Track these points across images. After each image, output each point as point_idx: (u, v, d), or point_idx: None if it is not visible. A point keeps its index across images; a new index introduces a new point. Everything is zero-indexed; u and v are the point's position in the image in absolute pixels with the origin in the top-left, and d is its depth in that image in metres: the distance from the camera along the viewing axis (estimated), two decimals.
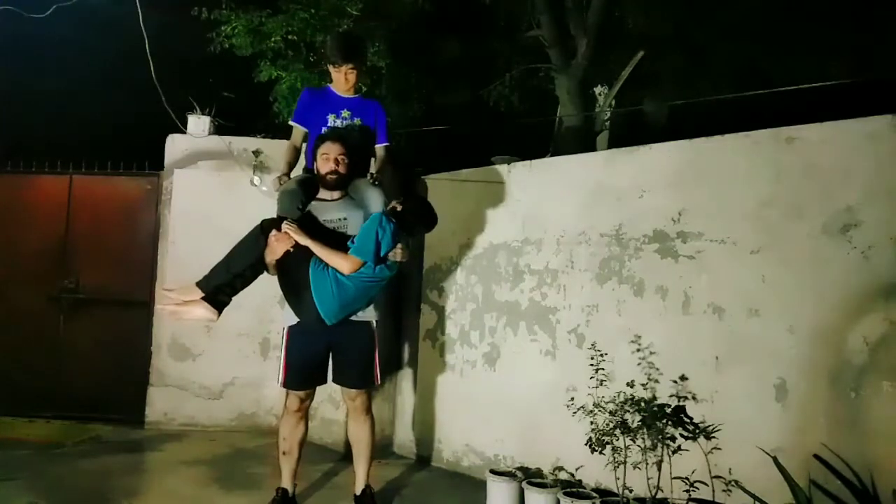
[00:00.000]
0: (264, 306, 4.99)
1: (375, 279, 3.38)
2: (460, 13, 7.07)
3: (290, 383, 3.50)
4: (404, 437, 4.89)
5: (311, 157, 3.64)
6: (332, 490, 4.02)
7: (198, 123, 5.50)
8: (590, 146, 6.55)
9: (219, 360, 5.33)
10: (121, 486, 3.93)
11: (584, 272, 3.90)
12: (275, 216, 3.45)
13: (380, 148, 3.94)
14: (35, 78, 7.54)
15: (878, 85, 4.33)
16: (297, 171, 3.86)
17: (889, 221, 2.80)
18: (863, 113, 2.93)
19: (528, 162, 4.33)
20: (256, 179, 5.32)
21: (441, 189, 4.79)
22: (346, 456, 4.57)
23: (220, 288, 3.37)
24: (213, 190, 5.40)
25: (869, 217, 2.85)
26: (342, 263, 3.27)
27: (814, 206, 3.01)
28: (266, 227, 3.37)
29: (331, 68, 3.86)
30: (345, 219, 3.49)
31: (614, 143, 6.45)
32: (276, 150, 5.38)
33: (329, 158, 3.46)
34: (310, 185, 3.53)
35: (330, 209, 3.51)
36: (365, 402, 3.60)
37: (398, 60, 6.40)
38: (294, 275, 3.36)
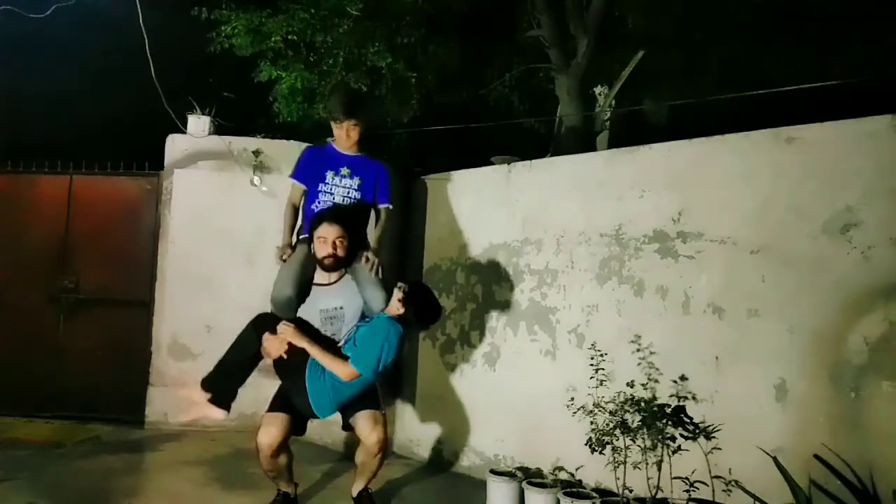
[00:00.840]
0: (264, 307, 4.98)
1: (374, 380, 3.38)
2: (460, 13, 7.07)
3: (275, 403, 3.38)
4: (404, 437, 4.89)
5: (308, 233, 3.55)
6: (332, 490, 4.02)
7: (198, 123, 5.50)
8: (590, 146, 6.54)
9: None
10: (121, 486, 3.93)
11: (584, 272, 3.90)
12: (262, 313, 3.46)
13: (381, 209, 3.85)
14: (35, 78, 7.54)
15: (878, 85, 4.33)
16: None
17: (889, 221, 2.80)
18: (863, 113, 2.92)
19: (528, 162, 4.33)
20: (256, 179, 5.32)
21: (441, 189, 4.79)
22: (346, 456, 4.57)
23: (224, 387, 3.45)
24: (213, 190, 5.40)
25: (869, 217, 2.85)
26: (341, 370, 3.24)
27: (814, 206, 3.01)
28: (259, 325, 3.39)
29: (333, 124, 3.75)
30: (341, 307, 3.44)
31: (614, 143, 6.45)
32: (276, 150, 5.40)
33: (326, 242, 3.37)
34: (305, 277, 3.45)
35: (326, 296, 3.45)
36: (382, 440, 3.32)
37: (398, 60, 6.40)
38: (289, 379, 3.36)
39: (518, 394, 4.15)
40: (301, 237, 3.71)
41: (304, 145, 5.27)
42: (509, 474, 3.80)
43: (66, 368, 5.42)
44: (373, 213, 3.89)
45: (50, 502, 3.62)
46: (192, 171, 5.45)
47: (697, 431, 3.13)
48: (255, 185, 5.31)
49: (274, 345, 3.32)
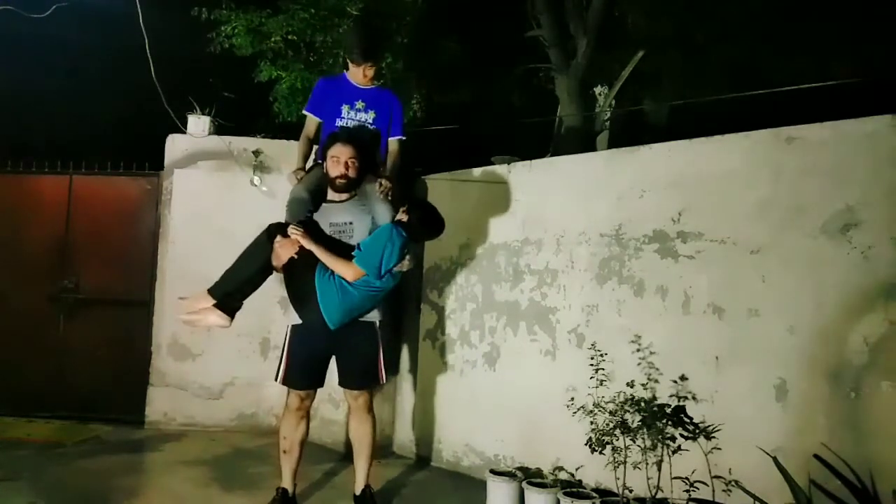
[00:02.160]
0: (264, 306, 4.98)
1: (380, 288, 3.41)
2: (460, 13, 7.07)
3: (292, 381, 3.50)
4: (404, 437, 4.89)
5: (322, 153, 3.63)
6: (332, 490, 4.02)
7: (198, 123, 5.50)
8: (590, 146, 6.55)
9: (219, 360, 5.33)
10: (121, 486, 3.93)
11: (584, 272, 3.90)
12: (283, 220, 3.47)
13: (393, 141, 3.92)
14: (35, 78, 7.54)
15: (878, 85, 4.33)
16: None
17: (889, 221, 2.80)
18: (863, 113, 2.93)
19: (528, 162, 4.33)
20: (256, 179, 5.32)
21: (441, 189, 4.79)
22: (346, 456, 4.57)
23: (230, 294, 3.39)
24: (213, 190, 5.40)
25: (869, 217, 2.85)
26: (346, 271, 3.30)
27: (814, 206, 3.01)
28: (273, 232, 3.39)
29: (349, 61, 3.81)
30: (351, 223, 3.49)
31: (614, 143, 6.45)
32: (276, 150, 5.40)
33: (339, 161, 3.45)
34: (319, 190, 3.53)
35: (337, 212, 3.51)
36: (367, 401, 3.60)
37: (398, 60, 6.40)
38: (299, 280, 3.38)
39: (518, 394, 4.15)
40: (316, 162, 3.77)
41: None
42: (509, 474, 3.80)
43: (66, 368, 5.42)
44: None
45: (50, 502, 3.63)
46: (192, 171, 5.45)
47: (697, 431, 3.13)
48: (255, 185, 5.31)
49: (286, 247, 3.32)
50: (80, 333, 5.47)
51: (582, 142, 6.49)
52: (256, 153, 5.34)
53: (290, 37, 6.18)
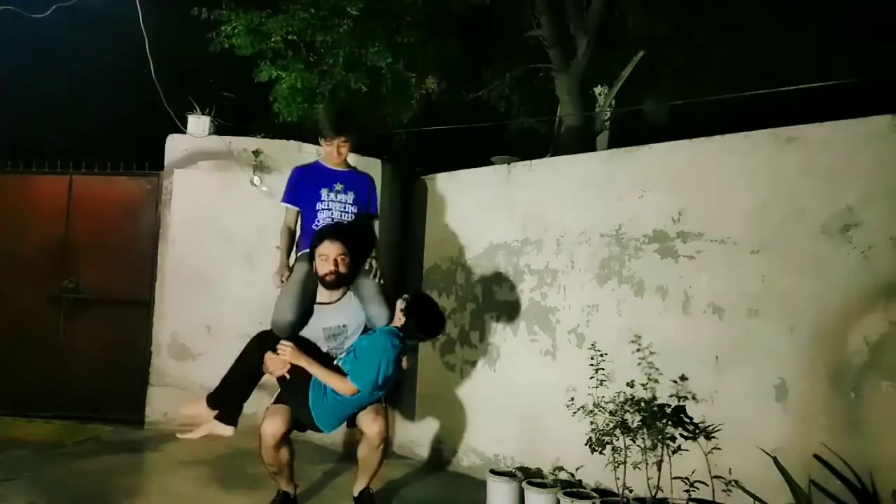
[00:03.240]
0: (265, 307, 4.97)
1: (377, 396, 3.38)
2: (461, 13, 7.07)
3: (279, 397, 3.44)
4: (404, 437, 4.89)
5: (309, 241, 3.54)
6: (332, 490, 4.02)
7: (198, 123, 5.50)
8: (590, 146, 6.55)
9: (219, 360, 5.24)
10: (121, 486, 3.93)
11: (584, 272, 3.90)
12: (265, 331, 3.47)
13: (370, 219, 3.85)
14: (35, 78, 7.54)
15: (878, 85, 4.33)
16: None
17: (889, 221, 2.80)
18: (863, 113, 2.93)
19: (528, 162, 4.33)
20: (256, 179, 5.32)
21: (441, 189, 4.79)
22: (346, 456, 4.58)
23: (228, 403, 3.49)
24: (213, 190, 5.40)
25: (869, 217, 2.85)
26: (342, 387, 3.23)
27: (814, 206, 3.01)
28: (263, 341, 3.39)
29: (322, 141, 3.74)
30: (345, 325, 3.44)
31: (614, 143, 6.45)
32: (276, 150, 5.40)
33: (328, 259, 3.35)
34: (307, 295, 3.45)
35: (330, 314, 3.44)
36: (383, 431, 3.36)
37: (398, 60, 6.40)
38: (292, 389, 3.36)
39: (518, 394, 4.15)
40: (300, 254, 3.68)
41: (305, 145, 5.31)
42: (509, 474, 3.80)
43: (66, 368, 5.41)
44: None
45: (50, 502, 3.62)
46: (192, 171, 5.44)
47: (697, 431, 3.13)
48: (255, 185, 5.31)
49: (276, 364, 3.32)
50: (80, 333, 5.47)
51: (582, 142, 6.49)
52: (256, 153, 5.34)
53: (290, 37, 6.19)
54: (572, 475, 3.67)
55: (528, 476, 3.80)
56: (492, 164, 4.64)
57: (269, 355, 3.33)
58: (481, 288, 4.48)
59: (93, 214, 5.57)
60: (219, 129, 5.58)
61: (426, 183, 4.92)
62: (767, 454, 2.86)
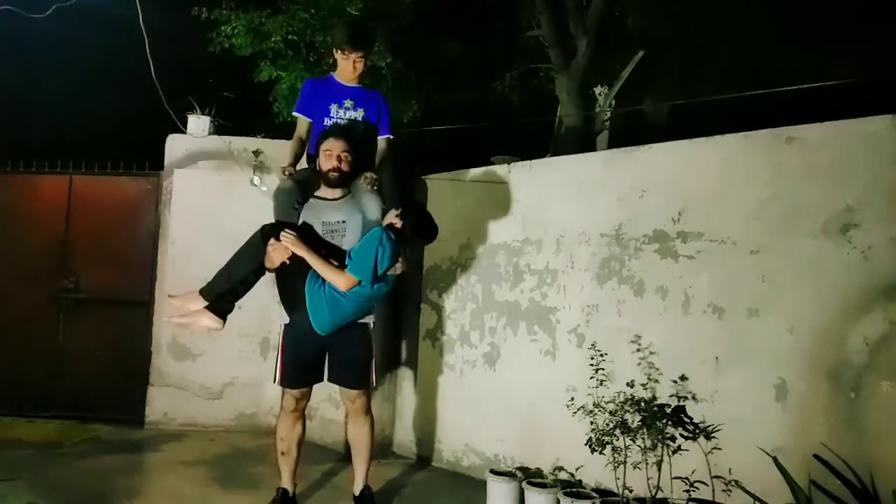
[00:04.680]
0: (264, 307, 4.97)
1: (372, 296, 3.38)
2: (461, 13, 7.07)
3: (286, 381, 3.49)
4: (404, 437, 4.89)
5: (314, 149, 3.62)
6: (332, 490, 4.02)
7: (198, 123, 5.50)
8: (590, 146, 6.55)
9: (219, 360, 5.33)
10: (121, 486, 3.93)
11: (584, 272, 3.90)
12: (273, 220, 3.45)
13: (381, 140, 3.90)
14: (35, 78, 7.54)
15: (878, 85, 4.33)
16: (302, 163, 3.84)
17: (889, 221, 2.80)
18: (863, 113, 2.93)
19: (528, 162, 4.33)
20: (256, 179, 5.32)
21: (441, 189, 4.79)
22: (346, 456, 4.57)
23: (222, 295, 3.37)
24: (213, 190, 5.40)
25: (869, 217, 2.85)
26: (339, 280, 3.24)
27: (814, 206, 3.01)
28: (266, 234, 3.36)
29: (338, 55, 3.80)
30: (343, 222, 3.46)
31: (614, 143, 6.46)
32: (276, 150, 5.39)
33: (332, 155, 3.43)
34: (308, 182, 3.51)
35: (330, 210, 3.48)
36: (364, 403, 3.58)
37: (398, 60, 6.40)
38: (290, 285, 3.37)
39: (518, 394, 4.15)
40: (308, 163, 3.76)
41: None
42: (509, 474, 3.81)
43: (66, 368, 5.42)
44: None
45: (50, 502, 3.63)
46: (192, 171, 5.45)
47: (697, 431, 3.14)
48: (255, 185, 5.31)
49: (278, 252, 3.30)
50: (80, 333, 5.47)
51: (582, 142, 6.49)
52: (256, 153, 5.34)
53: (290, 37, 6.18)
54: (572, 475, 3.67)
55: (528, 476, 3.80)
56: (492, 164, 4.64)
57: (272, 242, 3.30)
58: (481, 288, 4.48)
59: (93, 214, 5.57)
60: (219, 129, 5.59)
61: (426, 183, 4.92)
62: (767, 454, 2.86)
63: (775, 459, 2.79)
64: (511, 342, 4.25)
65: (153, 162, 5.54)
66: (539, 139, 7.19)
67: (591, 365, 3.55)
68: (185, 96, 5.45)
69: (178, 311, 3.40)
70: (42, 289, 5.48)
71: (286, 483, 3.57)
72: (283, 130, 6.12)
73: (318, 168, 3.51)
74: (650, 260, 3.59)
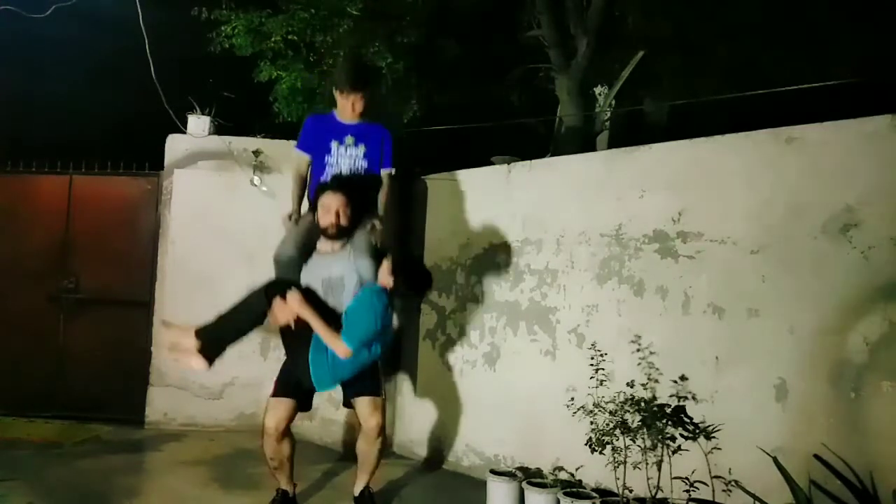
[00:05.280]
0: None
1: (371, 358, 3.40)
2: (461, 13, 7.07)
3: (278, 388, 3.46)
4: (404, 437, 4.89)
5: (313, 193, 3.59)
6: (332, 490, 4.02)
7: (198, 123, 5.50)
8: (590, 146, 6.55)
9: (219, 360, 5.31)
10: (121, 486, 3.93)
11: (584, 272, 3.90)
12: (275, 279, 3.48)
13: (384, 174, 3.84)
14: (35, 78, 7.54)
15: (879, 85, 4.33)
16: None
17: (889, 221, 2.80)
18: (863, 113, 2.92)
19: (528, 162, 4.33)
20: (256, 179, 5.32)
21: (441, 189, 4.79)
22: (346, 456, 4.58)
23: (216, 342, 3.43)
24: (213, 190, 5.40)
25: (869, 217, 2.85)
26: (340, 348, 3.26)
27: (814, 206, 3.01)
28: (270, 292, 3.38)
29: (337, 95, 3.74)
30: (342, 278, 3.44)
31: (614, 143, 6.45)
32: (276, 150, 5.40)
33: (329, 211, 3.39)
34: (310, 241, 3.49)
35: (329, 265, 3.46)
36: (379, 424, 3.40)
37: (398, 60, 6.40)
38: (294, 345, 3.39)
39: (518, 394, 4.15)
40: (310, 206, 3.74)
41: None
42: (509, 474, 3.80)
43: (66, 368, 5.42)
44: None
45: (50, 502, 3.63)
46: (192, 171, 5.45)
47: (697, 431, 3.13)
48: (255, 185, 5.31)
49: (284, 312, 3.32)
50: (80, 333, 5.47)
51: (582, 142, 6.48)
52: (256, 153, 5.34)
53: (290, 37, 6.19)
54: (572, 475, 3.67)
55: (528, 476, 3.80)
56: (492, 164, 4.64)
57: (279, 302, 3.32)
58: (481, 288, 4.48)
59: (93, 214, 5.57)
60: (219, 129, 5.58)
61: (426, 183, 4.92)
62: (767, 454, 2.86)
63: (775, 459, 2.79)
64: (511, 342, 4.25)
65: (153, 162, 5.54)
66: (539, 139, 7.19)
67: (591, 365, 3.55)
68: (185, 96, 5.45)
69: (171, 344, 3.50)
70: (42, 289, 5.48)
71: (285, 486, 3.56)
72: (283, 130, 6.13)
73: (315, 221, 3.47)
74: (650, 260, 3.59)
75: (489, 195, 4.46)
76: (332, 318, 3.34)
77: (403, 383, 4.96)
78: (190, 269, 5.34)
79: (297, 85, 6.27)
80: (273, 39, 6.18)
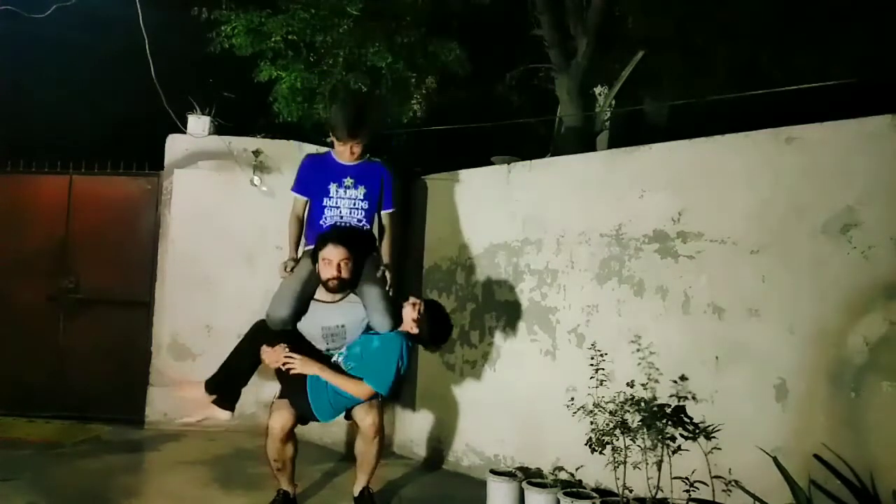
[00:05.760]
0: (265, 307, 4.99)
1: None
2: (461, 13, 7.07)
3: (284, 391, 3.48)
4: (404, 437, 4.89)
5: (312, 239, 3.57)
6: (332, 490, 4.02)
7: (198, 123, 5.50)
8: (590, 146, 6.55)
9: (219, 360, 5.23)
10: (121, 486, 3.94)
11: (584, 272, 3.90)
12: (262, 324, 3.51)
13: (385, 215, 3.80)
14: (35, 78, 7.53)
15: (878, 85, 4.33)
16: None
17: (889, 221, 2.80)
18: (863, 113, 2.92)
19: (528, 162, 4.33)
20: (256, 179, 5.32)
21: (441, 189, 4.79)
22: (346, 456, 4.58)
23: (229, 389, 3.51)
24: (213, 190, 5.40)
25: (869, 217, 2.85)
26: (356, 390, 3.31)
27: (814, 206, 3.01)
28: (258, 336, 3.43)
29: (335, 139, 3.65)
30: (343, 326, 3.44)
31: (614, 143, 6.45)
32: (276, 150, 5.40)
33: (331, 264, 3.34)
34: (306, 294, 3.48)
35: (329, 314, 3.45)
36: (376, 423, 3.40)
37: (398, 60, 6.39)
38: (290, 381, 3.39)
39: (518, 394, 4.15)
40: (306, 248, 3.68)
41: (305, 145, 5.31)
42: (509, 474, 3.81)
43: (66, 368, 5.42)
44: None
45: (50, 502, 3.63)
46: (192, 171, 5.45)
47: (697, 431, 3.14)
48: (255, 185, 5.31)
49: (272, 357, 3.36)
50: (80, 333, 5.47)
51: (582, 142, 6.49)
52: (256, 153, 5.34)
53: (290, 37, 6.17)
54: (572, 475, 3.67)
55: (528, 476, 3.80)
56: (492, 164, 4.63)
57: (265, 349, 3.36)
58: (481, 288, 4.48)
59: (93, 214, 5.56)
60: (219, 129, 5.58)
61: (426, 183, 4.92)
62: (767, 454, 2.86)
63: (775, 459, 2.79)
64: (511, 342, 4.25)
65: (153, 162, 5.54)
66: (539, 139, 7.19)
67: (591, 365, 3.55)
68: (185, 96, 5.45)
69: (185, 404, 3.68)
70: (42, 289, 5.47)
71: (286, 487, 3.57)
72: (283, 130, 6.13)
73: (316, 270, 3.44)
74: (650, 260, 3.59)
75: (489, 195, 4.46)
76: (328, 362, 3.40)
77: (403, 384, 4.96)
78: (190, 268, 5.34)
79: (297, 85, 6.25)
80: (273, 39, 6.16)
